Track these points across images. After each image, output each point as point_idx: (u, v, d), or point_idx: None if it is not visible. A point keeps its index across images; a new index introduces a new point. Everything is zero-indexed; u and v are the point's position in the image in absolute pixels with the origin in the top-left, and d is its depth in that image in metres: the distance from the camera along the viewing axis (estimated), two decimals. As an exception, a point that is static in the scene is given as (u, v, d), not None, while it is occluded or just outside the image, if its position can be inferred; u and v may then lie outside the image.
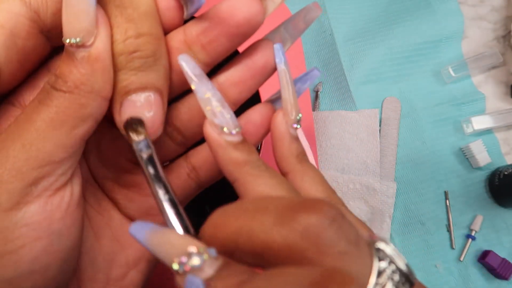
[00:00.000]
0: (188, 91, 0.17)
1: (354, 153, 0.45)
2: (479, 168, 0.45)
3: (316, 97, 0.47)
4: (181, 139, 0.18)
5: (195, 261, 0.12)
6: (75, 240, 0.16)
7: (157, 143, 0.18)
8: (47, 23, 0.15)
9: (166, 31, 0.16)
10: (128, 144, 0.18)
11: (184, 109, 0.17)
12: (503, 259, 0.42)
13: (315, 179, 0.17)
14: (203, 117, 0.17)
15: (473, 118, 0.45)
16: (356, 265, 0.11)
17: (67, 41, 0.14)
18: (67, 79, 0.14)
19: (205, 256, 0.12)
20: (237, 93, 0.17)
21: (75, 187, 0.16)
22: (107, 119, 0.16)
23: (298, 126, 0.17)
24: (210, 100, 0.15)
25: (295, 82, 0.19)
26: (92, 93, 0.14)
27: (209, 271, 0.12)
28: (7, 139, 0.14)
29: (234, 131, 0.15)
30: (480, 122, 0.45)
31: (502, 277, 0.42)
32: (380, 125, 0.46)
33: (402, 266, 0.12)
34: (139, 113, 0.15)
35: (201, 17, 0.15)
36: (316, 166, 0.33)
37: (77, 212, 0.16)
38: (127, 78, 0.15)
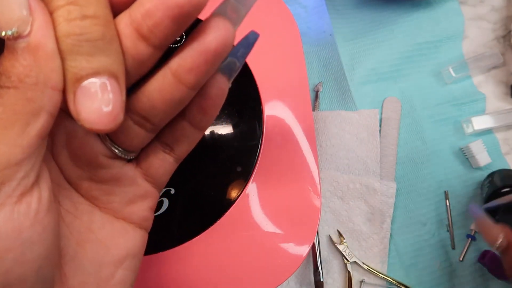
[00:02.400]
0: (143, 78, 0.16)
1: (354, 153, 0.45)
2: (479, 168, 0.45)
3: (316, 97, 0.47)
4: (150, 126, 0.17)
5: None
6: (49, 247, 0.15)
7: (128, 133, 0.17)
8: None
9: (120, 9, 0.15)
10: (100, 136, 0.17)
11: (144, 98, 0.16)
12: (503, 259, 0.42)
13: None
14: (163, 103, 0.16)
15: (473, 118, 0.45)
16: None
17: (3, 33, 0.13)
18: (10, 74, 0.13)
19: None
20: (194, 79, 0.16)
21: (43, 191, 0.15)
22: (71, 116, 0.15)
23: None
24: None
25: (238, 48, 0.18)
26: (38, 85, 0.13)
27: None
28: None
29: None
30: (480, 122, 0.45)
31: (502, 277, 0.42)
32: (380, 125, 0.46)
33: None
34: (96, 103, 0.14)
35: None
36: (316, 166, 0.33)
37: (48, 218, 0.15)
38: (77, 65, 0.14)
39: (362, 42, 0.49)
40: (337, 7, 0.50)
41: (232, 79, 0.19)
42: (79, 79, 0.14)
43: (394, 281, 0.42)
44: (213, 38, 0.15)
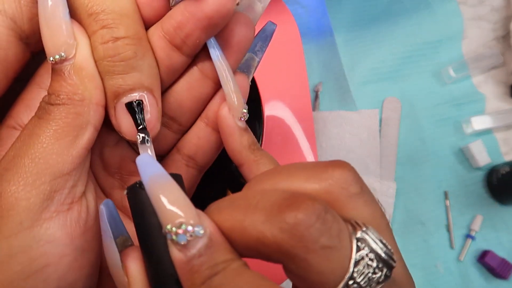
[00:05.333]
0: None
1: (354, 153, 0.45)
2: (479, 168, 0.45)
3: (316, 97, 0.47)
4: (177, 126, 0.19)
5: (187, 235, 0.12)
6: (97, 254, 0.16)
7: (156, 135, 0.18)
8: (24, 29, 0.15)
9: (153, 23, 0.16)
10: (129, 143, 0.18)
11: (171, 98, 0.18)
12: (503, 259, 0.42)
13: (269, 165, 0.17)
14: (191, 100, 0.18)
15: (473, 118, 0.45)
16: (338, 258, 0.12)
17: (51, 59, 0.14)
18: (59, 93, 0.14)
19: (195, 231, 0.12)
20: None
21: (90, 201, 0.16)
22: (105, 126, 0.16)
23: (245, 118, 0.17)
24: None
25: (255, 42, 0.19)
26: (85, 101, 0.15)
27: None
28: (16, 156, 0.14)
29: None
30: (480, 122, 0.45)
31: (502, 277, 0.42)
32: (380, 125, 0.46)
33: (380, 252, 0.12)
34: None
35: (174, 11, 0.16)
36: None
37: (96, 226, 0.16)
38: (115, 83, 0.15)
39: (362, 42, 0.49)
40: (337, 7, 0.50)
41: (251, 76, 0.19)
42: (117, 96, 0.15)
43: (394, 281, 0.42)
44: (234, 35, 0.16)
